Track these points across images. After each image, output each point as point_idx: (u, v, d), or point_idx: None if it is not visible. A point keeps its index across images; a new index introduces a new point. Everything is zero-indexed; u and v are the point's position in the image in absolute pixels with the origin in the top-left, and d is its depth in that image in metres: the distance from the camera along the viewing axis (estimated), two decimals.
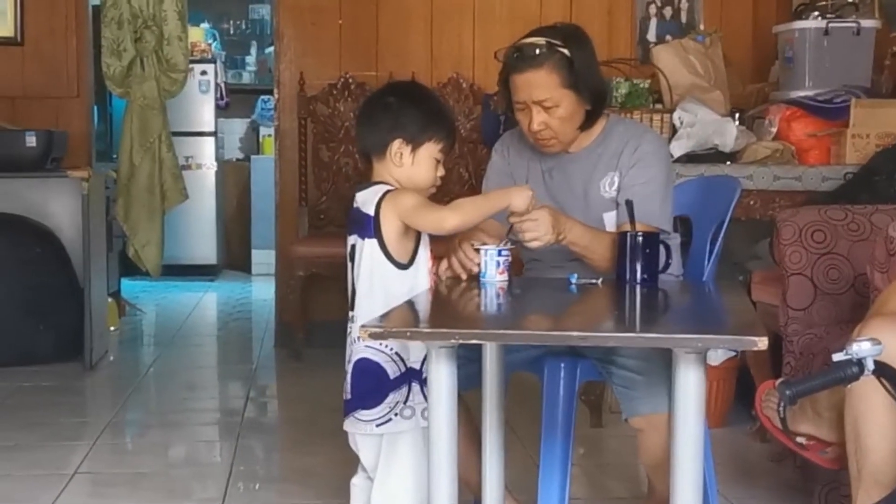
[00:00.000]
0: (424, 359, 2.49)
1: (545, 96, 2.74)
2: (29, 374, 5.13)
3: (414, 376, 2.54)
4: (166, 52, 6.38)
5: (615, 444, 4.03)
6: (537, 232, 2.57)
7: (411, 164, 2.58)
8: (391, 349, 2.53)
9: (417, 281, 2.56)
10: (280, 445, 4.27)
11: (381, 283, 2.55)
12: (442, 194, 5.95)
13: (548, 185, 2.91)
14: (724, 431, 4.05)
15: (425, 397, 2.47)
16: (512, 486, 2.88)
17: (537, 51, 2.73)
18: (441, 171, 2.62)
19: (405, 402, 2.54)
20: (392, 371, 2.54)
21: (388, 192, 2.55)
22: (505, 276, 2.62)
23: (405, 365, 2.54)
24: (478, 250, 2.63)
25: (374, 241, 2.54)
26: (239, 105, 9.73)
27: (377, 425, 2.55)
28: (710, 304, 2.65)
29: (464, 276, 2.65)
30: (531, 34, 2.80)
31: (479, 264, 2.63)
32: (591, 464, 3.83)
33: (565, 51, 2.74)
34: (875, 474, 2.48)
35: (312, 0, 5.84)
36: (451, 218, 2.48)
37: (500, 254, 2.61)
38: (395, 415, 2.54)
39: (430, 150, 2.58)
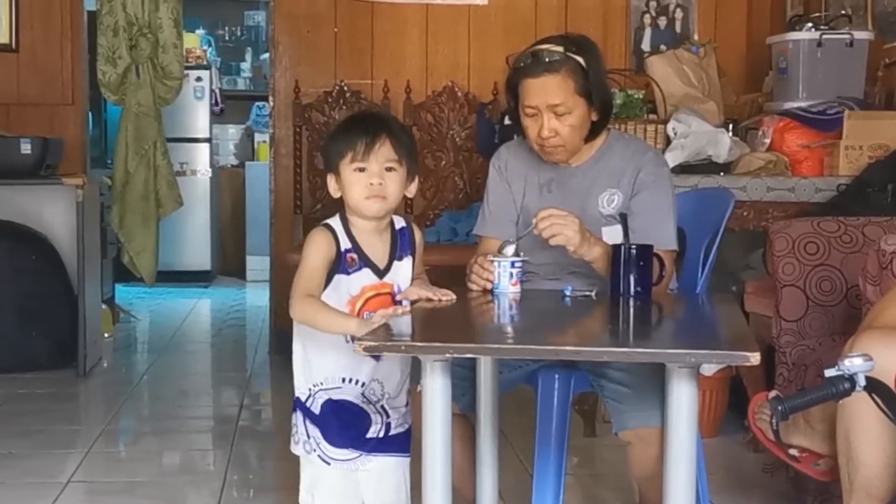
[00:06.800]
0: (308, 396, 2.59)
1: (560, 101, 2.74)
2: (23, 381, 5.13)
3: (297, 405, 2.62)
4: (161, 59, 6.38)
5: (608, 454, 4.03)
6: (565, 230, 2.61)
7: (344, 189, 2.56)
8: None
9: None
10: (274, 454, 4.26)
11: None
12: (437, 201, 5.96)
13: (545, 198, 2.89)
14: (718, 441, 4.07)
15: (307, 431, 2.59)
16: (506, 495, 2.89)
17: (554, 56, 2.74)
18: (374, 179, 2.49)
19: (294, 425, 2.63)
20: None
21: (324, 224, 2.62)
22: (518, 288, 2.65)
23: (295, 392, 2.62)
24: (492, 262, 2.66)
25: None
26: (234, 111, 9.73)
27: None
28: (704, 317, 2.67)
29: (480, 287, 2.67)
30: (542, 42, 2.80)
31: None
32: (584, 473, 3.84)
33: (580, 59, 2.75)
34: (867, 487, 2.50)
35: (308, 8, 5.85)
36: (294, 305, 2.53)
37: (512, 265, 2.65)
38: (291, 436, 2.66)
39: (346, 166, 2.52)
